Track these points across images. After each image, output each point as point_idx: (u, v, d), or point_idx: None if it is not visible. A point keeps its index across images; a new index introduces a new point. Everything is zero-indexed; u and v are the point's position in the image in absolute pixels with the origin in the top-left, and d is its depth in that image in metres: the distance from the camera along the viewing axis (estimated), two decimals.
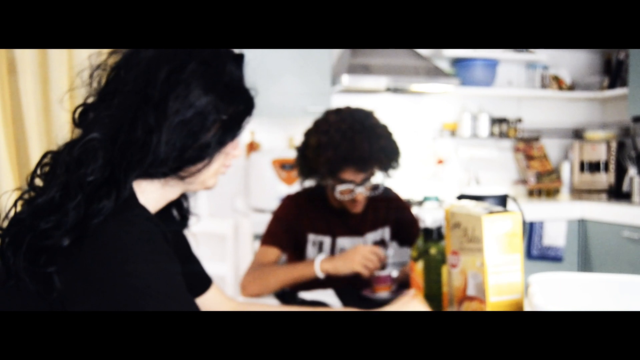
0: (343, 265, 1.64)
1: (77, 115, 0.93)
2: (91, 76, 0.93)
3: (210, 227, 2.58)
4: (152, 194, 0.95)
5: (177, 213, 1.12)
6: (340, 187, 1.73)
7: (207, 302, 1.22)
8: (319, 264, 1.65)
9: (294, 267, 1.70)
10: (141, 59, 0.90)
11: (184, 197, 1.11)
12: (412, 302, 1.18)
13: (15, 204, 0.88)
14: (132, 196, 0.90)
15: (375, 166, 1.75)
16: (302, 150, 1.83)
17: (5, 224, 0.87)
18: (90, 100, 0.93)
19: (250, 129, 3.36)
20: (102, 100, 0.91)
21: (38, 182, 0.89)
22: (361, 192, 1.75)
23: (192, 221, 1.15)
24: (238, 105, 0.96)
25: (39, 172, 0.90)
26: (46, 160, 0.90)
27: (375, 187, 1.79)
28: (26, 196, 0.88)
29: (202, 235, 2.62)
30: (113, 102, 0.89)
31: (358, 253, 1.64)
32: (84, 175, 0.83)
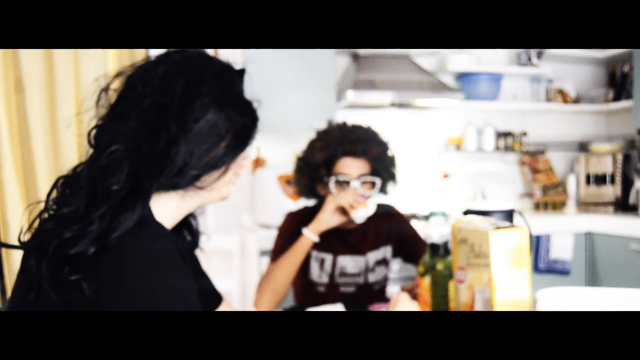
0: (325, 215, 1.72)
1: (92, 135, 0.94)
2: (99, 98, 0.96)
3: (217, 243, 2.57)
4: (170, 208, 0.97)
5: (187, 233, 1.13)
6: (336, 178, 1.78)
7: None
8: (308, 233, 1.72)
9: (289, 251, 1.73)
10: (155, 74, 0.93)
11: (192, 217, 1.13)
12: (400, 303, 1.15)
13: (39, 216, 0.90)
14: (149, 213, 0.92)
15: (370, 158, 1.81)
16: (302, 157, 1.90)
17: (26, 237, 0.90)
18: (101, 121, 0.95)
19: (256, 145, 3.37)
20: (118, 118, 0.92)
21: (51, 204, 0.92)
22: (356, 187, 1.76)
23: (202, 240, 1.17)
24: (247, 118, 1.00)
25: (54, 193, 0.92)
26: (61, 182, 0.93)
27: (372, 184, 1.83)
28: (51, 211, 0.90)
29: (208, 251, 2.62)
30: (131, 116, 0.91)
31: (331, 200, 1.73)
32: (110, 184, 0.85)
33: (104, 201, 0.85)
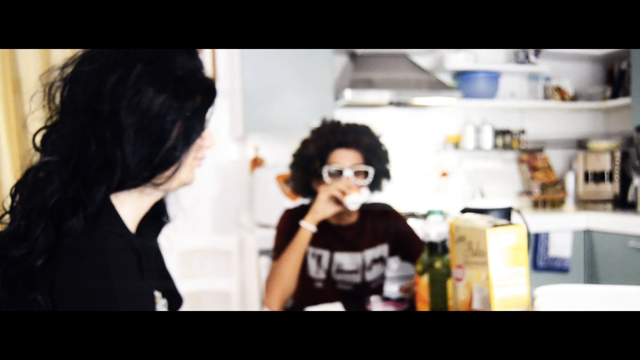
0: (320, 204, 1.76)
1: (38, 139, 0.90)
2: (47, 96, 0.90)
3: (215, 243, 2.58)
4: (131, 205, 0.93)
5: (156, 219, 1.08)
6: (329, 168, 1.81)
7: None
8: (305, 224, 1.76)
9: (290, 246, 1.77)
10: (85, 73, 0.86)
11: (162, 205, 1.07)
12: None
13: None
14: (109, 210, 0.89)
15: (362, 148, 1.84)
16: (296, 153, 1.94)
17: None
18: (49, 121, 0.90)
19: (254, 145, 3.37)
20: (55, 122, 0.89)
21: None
22: (349, 177, 1.79)
23: (169, 226, 1.11)
24: (196, 98, 0.92)
25: (10, 202, 0.89)
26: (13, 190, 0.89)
27: (365, 174, 1.85)
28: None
29: (207, 251, 2.62)
30: (65, 122, 0.86)
31: (323, 190, 1.77)
32: (43, 200, 0.82)
33: (42, 216, 0.81)
